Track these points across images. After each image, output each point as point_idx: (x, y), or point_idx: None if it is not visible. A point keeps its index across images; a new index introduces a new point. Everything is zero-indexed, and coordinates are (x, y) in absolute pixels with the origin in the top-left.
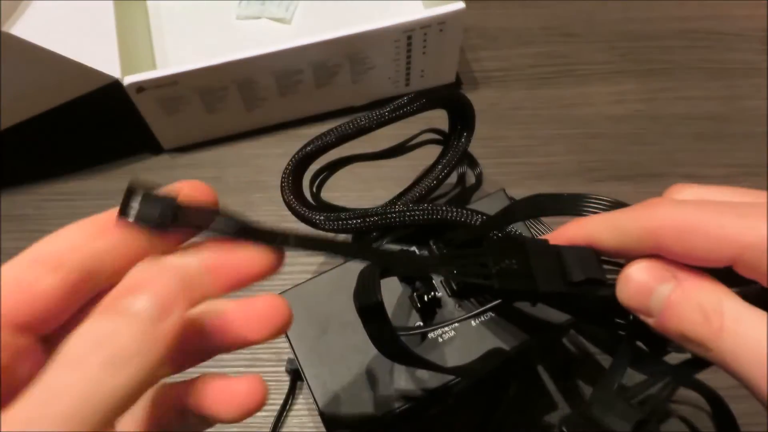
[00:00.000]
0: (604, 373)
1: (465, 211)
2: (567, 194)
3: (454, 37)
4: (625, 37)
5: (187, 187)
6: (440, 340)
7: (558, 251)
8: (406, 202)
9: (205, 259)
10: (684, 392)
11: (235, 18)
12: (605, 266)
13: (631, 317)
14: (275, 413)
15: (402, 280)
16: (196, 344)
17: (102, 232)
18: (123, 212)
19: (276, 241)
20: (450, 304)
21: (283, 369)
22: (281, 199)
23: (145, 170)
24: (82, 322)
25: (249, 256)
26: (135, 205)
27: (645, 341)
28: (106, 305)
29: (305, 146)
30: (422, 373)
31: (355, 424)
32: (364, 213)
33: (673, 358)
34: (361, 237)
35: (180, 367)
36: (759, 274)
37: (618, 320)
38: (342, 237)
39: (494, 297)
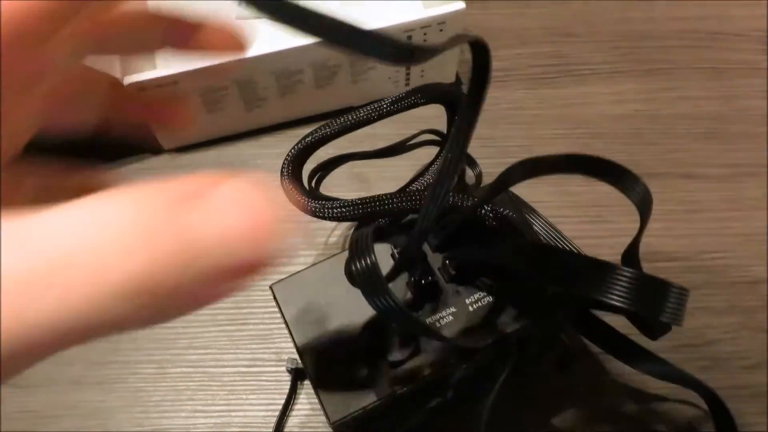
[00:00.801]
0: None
1: (459, 195)
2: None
3: None
4: (625, 37)
5: None
6: (438, 324)
7: None
8: (401, 190)
9: None
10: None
11: (235, 18)
12: None
13: None
14: (277, 413)
15: (399, 265)
16: None
17: None
18: None
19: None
20: (448, 289)
21: (283, 369)
22: (281, 197)
23: (145, 170)
24: None
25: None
26: None
27: None
28: None
29: (306, 137)
30: (422, 364)
31: (356, 414)
32: (360, 200)
33: None
34: (359, 225)
35: None
36: None
37: None
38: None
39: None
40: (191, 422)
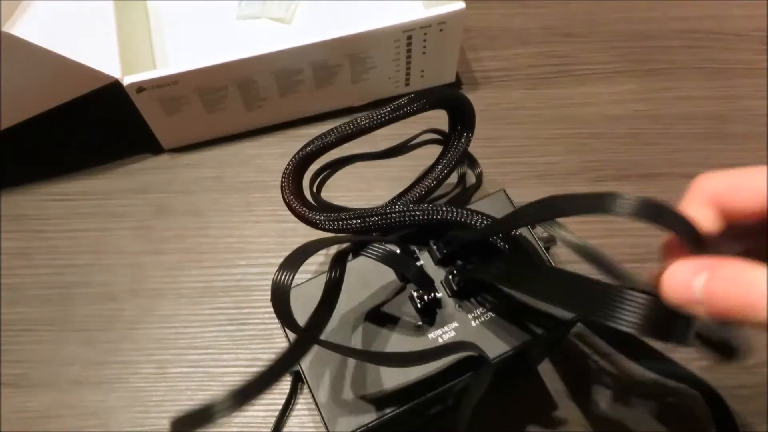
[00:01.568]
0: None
1: (465, 212)
2: (585, 194)
3: (454, 37)
4: (625, 37)
5: None
6: (440, 340)
7: None
8: (407, 202)
9: None
10: (684, 390)
11: (235, 18)
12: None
13: None
14: (276, 414)
15: (402, 279)
16: None
17: None
18: None
19: None
20: (450, 304)
21: None
22: (281, 199)
23: (145, 170)
24: None
25: None
26: None
27: None
28: None
29: (305, 146)
30: (422, 373)
31: (355, 423)
32: (364, 213)
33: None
34: (362, 235)
35: None
36: None
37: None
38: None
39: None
40: None
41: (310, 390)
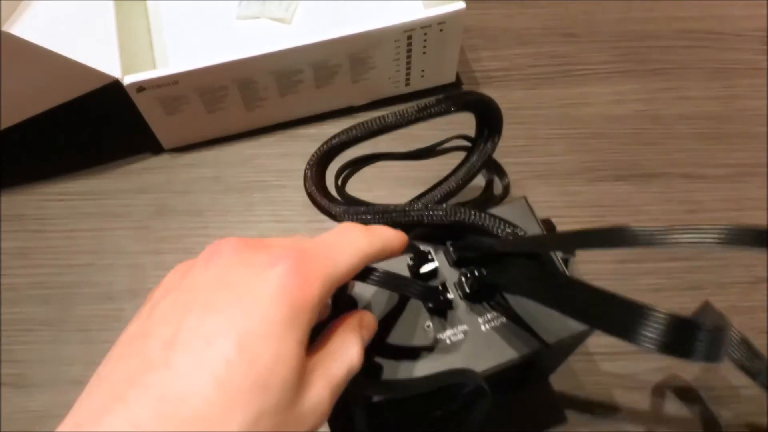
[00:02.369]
0: None
1: (486, 216)
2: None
3: (455, 37)
4: (625, 37)
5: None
6: (448, 342)
7: None
8: (428, 202)
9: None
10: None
11: (235, 18)
12: None
13: None
14: None
15: (413, 276)
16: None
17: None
18: None
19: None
20: (462, 306)
21: None
22: (281, 198)
23: (145, 170)
24: None
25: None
26: None
27: None
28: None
29: (330, 139)
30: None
31: (356, 421)
32: (384, 209)
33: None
34: None
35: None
36: None
37: None
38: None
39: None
40: None
41: None
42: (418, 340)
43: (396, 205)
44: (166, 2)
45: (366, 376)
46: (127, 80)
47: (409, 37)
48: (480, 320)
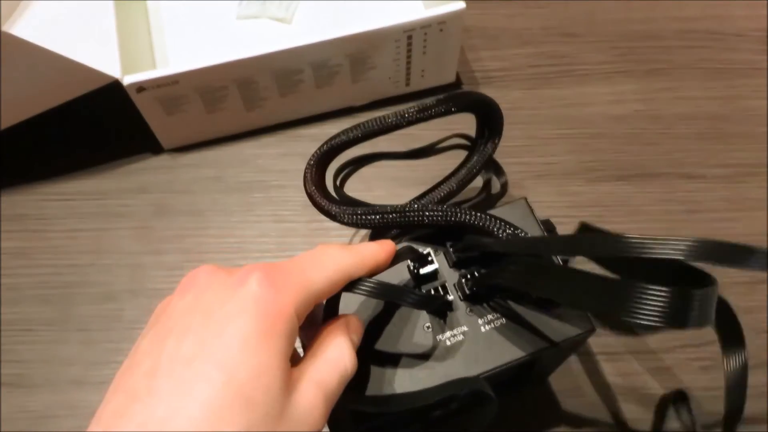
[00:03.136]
0: None
1: (486, 217)
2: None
3: (454, 37)
4: (625, 37)
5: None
6: (448, 343)
7: None
8: (427, 202)
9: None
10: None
11: (235, 18)
12: None
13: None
14: None
15: (413, 279)
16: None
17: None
18: None
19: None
20: (462, 308)
21: None
22: (281, 198)
23: (145, 170)
24: None
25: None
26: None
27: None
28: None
29: (330, 139)
30: (425, 375)
31: (357, 422)
32: (383, 209)
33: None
34: (380, 233)
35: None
36: None
37: None
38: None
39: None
40: None
41: None
42: (418, 342)
43: (395, 206)
44: (166, 2)
45: (364, 386)
46: (127, 80)
47: (409, 37)
48: (480, 321)
